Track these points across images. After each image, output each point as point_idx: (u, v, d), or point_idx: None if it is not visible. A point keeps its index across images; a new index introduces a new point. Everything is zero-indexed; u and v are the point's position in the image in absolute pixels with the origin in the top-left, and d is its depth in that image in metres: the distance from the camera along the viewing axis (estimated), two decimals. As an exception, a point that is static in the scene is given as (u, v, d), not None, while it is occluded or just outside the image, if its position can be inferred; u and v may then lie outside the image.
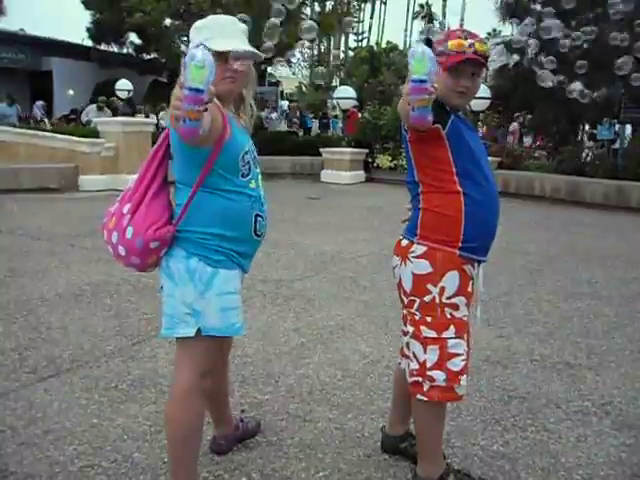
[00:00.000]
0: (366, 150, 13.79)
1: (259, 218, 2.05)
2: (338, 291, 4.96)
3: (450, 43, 2.05)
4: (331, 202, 10.52)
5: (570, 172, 11.24)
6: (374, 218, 8.52)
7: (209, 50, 1.60)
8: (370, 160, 13.88)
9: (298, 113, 21.25)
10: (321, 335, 3.96)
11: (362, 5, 20.67)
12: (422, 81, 1.67)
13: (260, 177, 2.12)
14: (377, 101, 14.57)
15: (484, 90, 12.09)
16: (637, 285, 5.42)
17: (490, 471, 2.47)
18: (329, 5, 17.09)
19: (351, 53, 39.43)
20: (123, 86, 14.72)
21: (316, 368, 3.43)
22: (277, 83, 29.54)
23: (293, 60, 28.63)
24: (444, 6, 55.25)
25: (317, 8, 17.78)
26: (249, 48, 1.94)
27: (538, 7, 13.92)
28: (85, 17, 23.08)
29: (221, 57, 1.86)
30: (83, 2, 23.44)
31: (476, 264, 2.20)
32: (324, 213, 9.08)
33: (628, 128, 13.18)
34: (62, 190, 10.42)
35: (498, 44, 15.06)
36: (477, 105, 11.75)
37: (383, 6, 55.52)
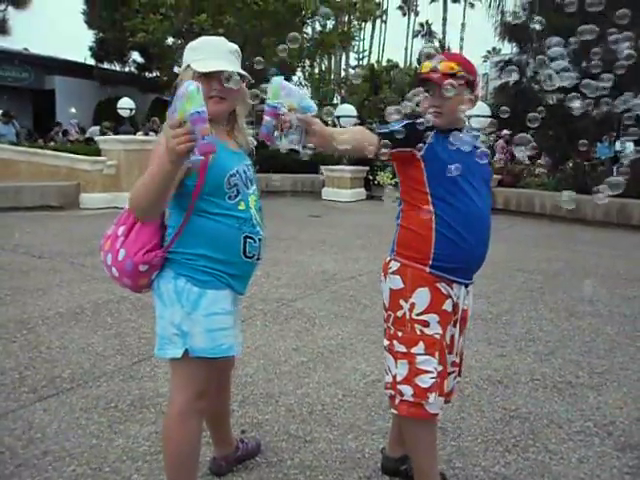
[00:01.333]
0: (367, 168, 13.85)
1: (249, 240, 2.04)
2: (338, 310, 4.95)
3: (422, 66, 2.14)
4: (332, 220, 10.53)
5: (571, 189, 11.26)
6: (374, 236, 8.53)
7: (195, 71, 1.90)
8: (371, 177, 13.93)
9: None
10: (322, 354, 3.94)
11: (363, 24, 20.83)
12: (273, 107, 1.90)
13: (254, 197, 2.11)
14: (378, 119, 14.65)
15: (484, 108, 12.18)
16: (639, 303, 5.41)
17: (492, 493, 2.45)
18: (330, 24, 17.25)
19: (352, 71, 39.71)
20: (125, 104, 14.81)
21: (317, 388, 3.41)
22: (278, 101, 29.76)
23: (294, 78, 28.82)
24: (444, 24, 55.86)
25: (318, 27, 17.97)
26: (236, 69, 1.97)
27: (537, 27, 14.06)
28: (88, 36, 23.38)
29: (207, 78, 1.94)
30: (86, 22, 23.75)
31: (455, 285, 2.20)
32: (325, 231, 9.09)
33: (630, 146, 13.22)
34: (64, 208, 10.47)
35: (498, 62, 15.19)
36: (477, 123, 11.80)
37: (383, 25, 56.13)
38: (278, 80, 1.94)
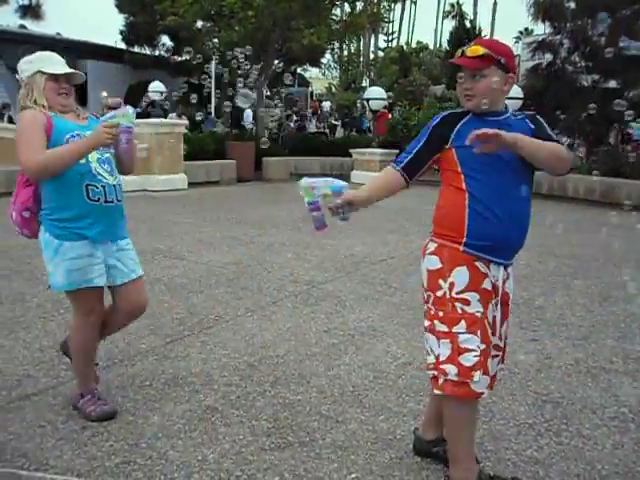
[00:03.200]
0: (396, 151, 13.73)
1: (91, 187, 2.64)
2: (369, 292, 4.96)
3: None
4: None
5: (605, 173, 11.03)
6: (404, 219, 8.50)
7: (47, 74, 2.65)
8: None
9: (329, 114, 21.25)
10: (352, 336, 3.96)
11: (392, 5, 20.53)
12: (313, 203, 2.27)
13: (96, 154, 2.67)
14: (407, 101, 14.52)
15: (516, 90, 11.96)
16: (675, 289, 5.30)
17: (524, 476, 2.45)
18: (359, 5, 17.02)
19: (381, 53, 39.32)
20: (156, 88, 14.91)
21: (347, 369, 3.44)
22: (307, 84, 29.66)
23: (323, 61, 28.65)
24: (475, 5, 54.76)
25: (347, 8, 17.75)
26: (75, 71, 2.75)
27: (572, 5, 13.69)
28: (119, 20, 23.54)
29: (56, 78, 2.67)
30: (117, 6, 23.89)
31: (493, 265, 2.21)
32: (354, 214, 9.05)
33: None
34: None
35: (531, 43, 14.87)
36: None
37: (413, 6, 55.27)
38: (303, 182, 2.27)
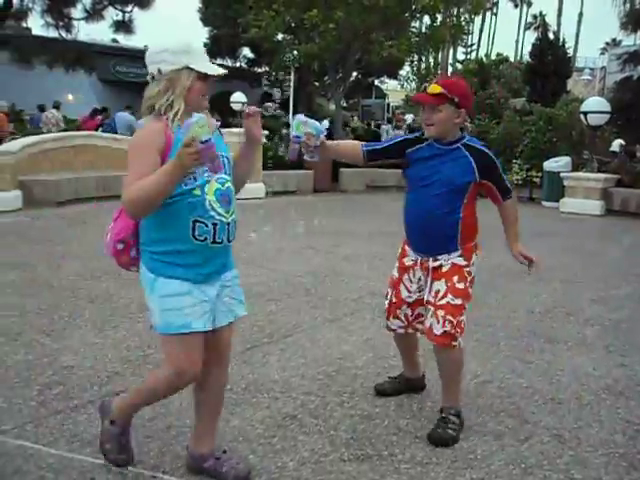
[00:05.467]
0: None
1: (199, 224, 2.19)
2: (446, 307, 4.88)
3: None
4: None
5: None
6: (483, 235, 8.30)
7: (198, 73, 2.19)
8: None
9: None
10: (430, 350, 3.90)
11: (473, 17, 20.24)
12: (297, 137, 2.74)
13: (217, 185, 2.23)
14: (486, 114, 14.23)
15: (602, 104, 11.52)
16: None
17: (614, 508, 2.34)
18: (440, 17, 16.88)
19: (459, 65, 38.79)
20: (238, 98, 15.30)
21: (427, 384, 3.39)
22: (384, 96, 29.63)
23: (401, 73, 28.56)
24: (559, 15, 53.21)
25: (427, 20, 17.65)
26: (224, 71, 2.31)
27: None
28: (203, 33, 24.38)
29: (205, 78, 2.23)
30: (202, 19, 24.76)
31: (412, 250, 2.99)
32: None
33: None
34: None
35: (620, 55, 14.30)
36: (595, 119, 11.18)
37: (494, 17, 54.35)
38: (299, 117, 2.77)
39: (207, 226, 2.20)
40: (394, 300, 3.05)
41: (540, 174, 12.20)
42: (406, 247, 3.03)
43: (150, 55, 2.26)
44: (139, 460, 2.53)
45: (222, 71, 2.27)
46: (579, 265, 6.57)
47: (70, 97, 20.23)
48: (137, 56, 22.90)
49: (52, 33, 17.67)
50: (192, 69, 2.18)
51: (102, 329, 4.12)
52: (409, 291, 3.02)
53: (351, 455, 2.65)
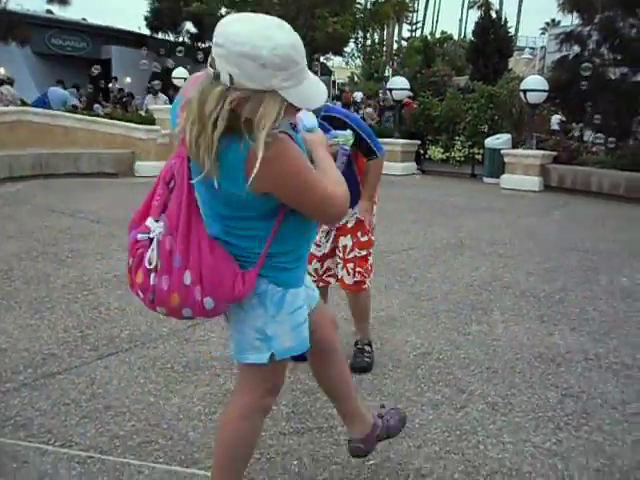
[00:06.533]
0: (418, 142, 13.66)
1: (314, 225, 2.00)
2: (389, 282, 4.96)
3: None
4: (382, 193, 10.39)
5: (631, 168, 10.85)
6: (425, 210, 8.45)
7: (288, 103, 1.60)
8: (422, 152, 13.74)
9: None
10: (372, 326, 3.96)
11: (417, -6, 20.39)
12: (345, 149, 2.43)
13: None
14: (430, 92, 14.37)
15: (541, 82, 11.79)
16: (700, 287, 5.22)
17: (542, 469, 2.45)
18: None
19: (404, 43, 38.99)
20: (180, 74, 14.93)
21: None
22: (329, 73, 29.54)
23: (346, 50, 28.48)
24: (501, -5, 53.92)
25: (372, -3, 17.65)
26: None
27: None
28: (143, 6, 23.64)
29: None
30: (142, -9, 23.99)
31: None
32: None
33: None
34: (119, 175, 10.72)
35: (558, 35, 14.63)
36: (534, 97, 11.45)
37: (439, -5, 54.60)
38: (350, 133, 2.34)
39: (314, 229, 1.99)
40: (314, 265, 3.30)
41: (482, 151, 12.46)
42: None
43: (258, 42, 1.55)
44: (76, 441, 2.49)
45: (322, 102, 1.72)
46: (517, 240, 6.77)
47: (1, 70, 19.30)
48: (74, 29, 22.12)
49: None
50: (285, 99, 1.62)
51: (38, 310, 4.01)
52: (317, 245, 3.26)
53: (291, 428, 2.68)
